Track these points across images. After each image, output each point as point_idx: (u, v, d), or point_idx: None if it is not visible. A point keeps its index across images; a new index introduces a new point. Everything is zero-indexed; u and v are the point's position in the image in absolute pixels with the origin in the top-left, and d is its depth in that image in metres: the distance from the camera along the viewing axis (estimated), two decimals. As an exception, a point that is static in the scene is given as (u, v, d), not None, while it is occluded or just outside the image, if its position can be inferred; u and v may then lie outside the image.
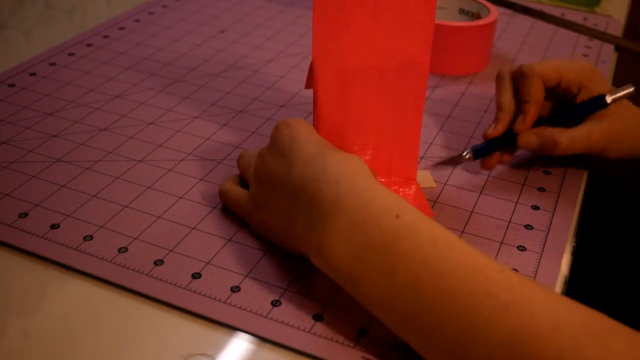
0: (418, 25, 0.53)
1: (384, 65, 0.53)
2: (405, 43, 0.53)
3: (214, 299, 0.46)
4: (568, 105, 0.60)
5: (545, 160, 0.62)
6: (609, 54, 0.84)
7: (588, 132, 0.58)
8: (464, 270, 0.39)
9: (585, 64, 0.60)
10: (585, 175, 0.62)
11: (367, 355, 0.43)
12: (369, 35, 0.52)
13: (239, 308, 0.46)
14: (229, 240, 0.52)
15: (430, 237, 0.41)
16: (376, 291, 0.42)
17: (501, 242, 0.53)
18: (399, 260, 0.41)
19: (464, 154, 0.60)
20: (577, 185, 0.60)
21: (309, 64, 0.53)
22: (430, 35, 0.53)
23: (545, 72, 0.59)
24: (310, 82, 0.53)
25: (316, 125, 0.54)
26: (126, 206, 0.54)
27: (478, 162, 0.61)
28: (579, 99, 0.59)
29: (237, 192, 0.53)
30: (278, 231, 0.49)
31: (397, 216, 0.42)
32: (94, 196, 0.55)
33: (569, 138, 0.58)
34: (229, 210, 0.54)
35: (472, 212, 0.56)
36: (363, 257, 0.42)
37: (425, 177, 0.60)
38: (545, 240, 0.53)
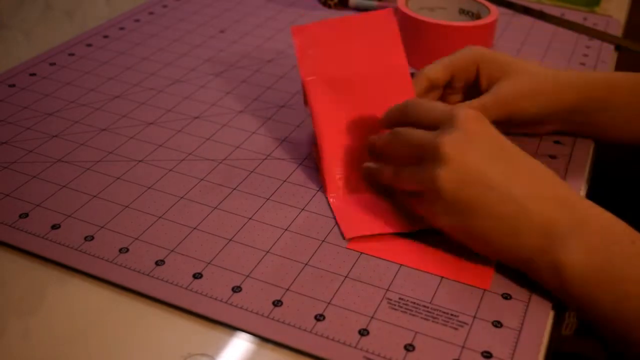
0: (386, 39, 0.59)
1: (366, 73, 0.58)
2: (378, 54, 0.58)
3: (215, 299, 0.46)
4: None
5: (543, 160, 0.62)
6: (609, 54, 0.84)
7: (495, 93, 0.59)
8: None
9: (476, 48, 0.61)
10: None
11: (369, 355, 0.43)
12: (344, 52, 0.59)
13: (241, 308, 0.46)
14: (230, 240, 0.51)
15: None
16: (612, 312, 0.43)
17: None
18: (634, 286, 0.43)
19: None
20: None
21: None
22: (399, 44, 0.59)
23: (431, 71, 0.60)
24: (306, 100, 0.59)
25: (317, 136, 0.57)
26: (127, 206, 0.54)
27: None
28: (483, 84, 0.60)
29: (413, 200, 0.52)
30: (491, 242, 0.47)
31: (633, 242, 0.44)
32: (94, 196, 0.55)
33: (478, 106, 0.58)
34: (229, 210, 0.54)
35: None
36: (601, 279, 0.43)
37: None
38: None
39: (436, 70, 0.60)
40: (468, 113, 0.48)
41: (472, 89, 0.62)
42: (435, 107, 0.51)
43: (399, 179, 0.52)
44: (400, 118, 0.53)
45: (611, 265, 0.43)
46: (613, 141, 0.63)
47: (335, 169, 0.57)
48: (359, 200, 0.56)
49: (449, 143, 0.47)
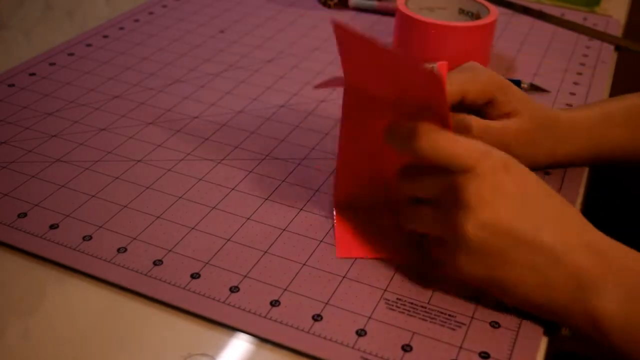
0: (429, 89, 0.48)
1: (402, 102, 0.50)
2: (420, 94, 0.49)
3: (213, 299, 0.46)
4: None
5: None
6: (609, 54, 0.84)
7: (503, 126, 0.56)
8: None
9: (493, 74, 0.56)
10: (585, 175, 0.61)
11: (366, 356, 0.43)
12: (382, 73, 0.50)
13: (238, 308, 0.46)
14: (228, 240, 0.52)
15: None
16: None
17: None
18: None
19: None
20: (577, 185, 0.60)
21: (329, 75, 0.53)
22: (445, 103, 0.48)
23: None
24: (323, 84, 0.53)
25: (338, 146, 0.53)
26: (125, 206, 0.54)
27: None
28: (489, 112, 0.56)
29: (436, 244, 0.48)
30: (521, 293, 0.45)
31: None
32: (93, 196, 0.55)
33: (482, 125, 0.55)
34: (228, 210, 0.54)
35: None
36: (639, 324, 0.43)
37: None
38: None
39: (450, 93, 0.54)
40: (496, 162, 0.45)
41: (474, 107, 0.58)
42: (458, 144, 0.45)
43: (417, 221, 0.48)
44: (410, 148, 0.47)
45: None
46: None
47: (347, 182, 0.55)
48: (364, 219, 0.54)
49: (476, 191, 0.44)
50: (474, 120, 0.55)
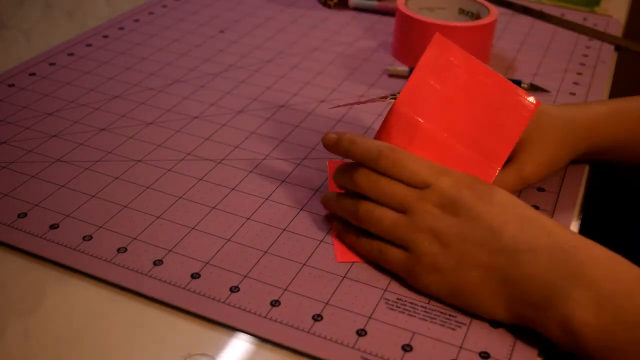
0: (504, 133, 0.52)
1: (454, 147, 0.51)
2: (483, 141, 0.51)
3: (213, 299, 0.46)
4: None
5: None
6: (609, 54, 0.84)
7: (517, 170, 0.56)
8: None
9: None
10: (585, 175, 0.61)
11: (366, 356, 0.43)
12: (453, 111, 0.52)
13: (238, 308, 0.46)
14: (228, 240, 0.52)
15: None
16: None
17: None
18: None
19: None
20: (577, 184, 0.60)
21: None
22: (508, 150, 0.52)
23: None
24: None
25: None
26: (125, 206, 0.54)
27: None
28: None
29: (392, 252, 0.48)
30: (480, 298, 0.45)
31: (637, 278, 0.42)
32: (93, 196, 0.55)
33: (501, 184, 0.54)
34: (227, 210, 0.54)
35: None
36: (616, 332, 0.41)
37: None
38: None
39: None
40: (458, 179, 0.47)
41: None
42: (417, 164, 0.48)
43: (379, 228, 0.49)
44: (370, 163, 0.49)
45: (623, 312, 0.41)
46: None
47: None
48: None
49: (434, 203, 0.47)
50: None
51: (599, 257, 0.43)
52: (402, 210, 0.48)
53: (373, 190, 0.49)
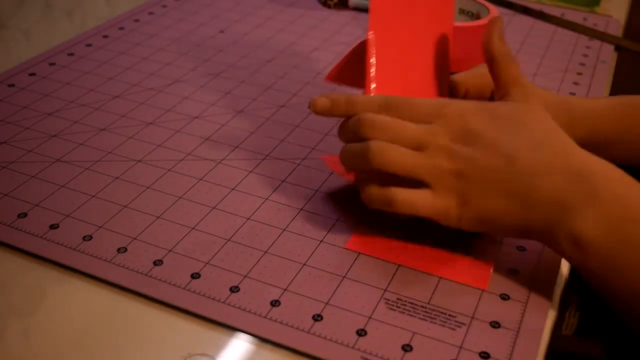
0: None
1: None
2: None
3: (213, 299, 0.46)
4: None
5: None
6: (609, 54, 0.84)
7: (480, 70, 0.59)
8: None
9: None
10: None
11: (366, 356, 0.43)
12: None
13: (238, 308, 0.46)
14: (228, 240, 0.52)
15: None
16: (634, 282, 0.43)
17: (501, 242, 0.53)
18: None
19: None
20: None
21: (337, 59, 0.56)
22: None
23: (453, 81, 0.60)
24: (333, 75, 0.58)
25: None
26: (125, 206, 0.54)
27: None
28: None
29: (416, 196, 0.48)
30: (504, 223, 0.47)
31: None
32: (93, 196, 0.55)
33: (461, 75, 0.59)
34: (228, 210, 0.54)
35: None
36: (620, 253, 0.43)
37: None
38: (545, 241, 0.53)
39: (456, 82, 0.59)
40: (460, 110, 0.49)
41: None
42: (420, 102, 0.51)
43: (399, 165, 0.49)
44: (379, 111, 0.51)
45: (630, 235, 0.43)
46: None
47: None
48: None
49: (446, 136, 0.48)
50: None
51: (614, 180, 0.45)
52: (417, 147, 0.49)
53: (386, 133, 0.49)
